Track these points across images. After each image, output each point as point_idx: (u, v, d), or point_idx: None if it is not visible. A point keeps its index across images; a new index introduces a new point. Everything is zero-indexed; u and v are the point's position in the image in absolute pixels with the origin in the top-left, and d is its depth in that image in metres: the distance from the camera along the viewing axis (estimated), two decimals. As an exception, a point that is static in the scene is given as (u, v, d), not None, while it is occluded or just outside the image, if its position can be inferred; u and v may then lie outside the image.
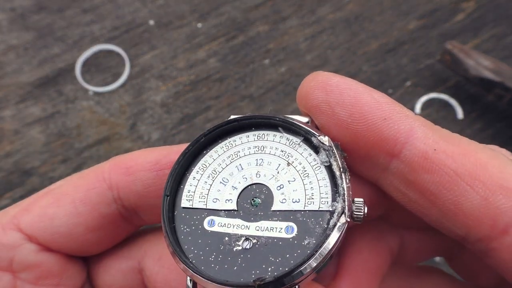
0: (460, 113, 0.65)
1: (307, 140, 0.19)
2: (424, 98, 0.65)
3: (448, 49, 0.63)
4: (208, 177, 0.18)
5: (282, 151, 0.18)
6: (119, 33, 0.70)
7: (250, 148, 0.18)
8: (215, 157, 0.19)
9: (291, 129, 0.19)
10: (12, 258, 0.20)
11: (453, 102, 0.65)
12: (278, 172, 0.18)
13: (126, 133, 0.63)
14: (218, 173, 0.18)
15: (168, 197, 0.19)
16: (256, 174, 0.18)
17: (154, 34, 0.70)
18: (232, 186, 0.18)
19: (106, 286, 0.25)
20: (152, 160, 0.21)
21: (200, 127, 0.63)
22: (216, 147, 0.19)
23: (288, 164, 0.18)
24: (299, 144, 0.18)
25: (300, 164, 0.18)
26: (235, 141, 0.19)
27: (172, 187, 0.19)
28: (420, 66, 0.68)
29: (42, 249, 0.21)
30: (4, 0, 0.71)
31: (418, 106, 0.65)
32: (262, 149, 0.18)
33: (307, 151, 0.18)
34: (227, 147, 0.19)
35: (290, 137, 0.19)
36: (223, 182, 0.18)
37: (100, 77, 0.67)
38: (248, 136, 0.19)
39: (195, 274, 0.18)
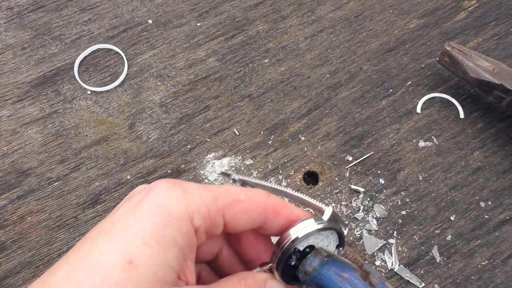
0: (461, 113, 0.64)
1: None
2: (425, 98, 0.65)
3: (446, 50, 0.61)
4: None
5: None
6: (118, 32, 0.69)
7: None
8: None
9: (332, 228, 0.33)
10: (211, 231, 0.31)
11: (455, 101, 0.65)
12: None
13: (124, 133, 0.62)
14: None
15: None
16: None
17: (153, 33, 0.69)
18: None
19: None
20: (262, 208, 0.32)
21: (199, 127, 0.63)
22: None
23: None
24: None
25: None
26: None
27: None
28: (421, 65, 0.67)
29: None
30: (1, -1, 0.71)
31: (419, 106, 0.64)
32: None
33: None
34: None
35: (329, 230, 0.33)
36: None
37: (98, 77, 0.66)
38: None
39: None
